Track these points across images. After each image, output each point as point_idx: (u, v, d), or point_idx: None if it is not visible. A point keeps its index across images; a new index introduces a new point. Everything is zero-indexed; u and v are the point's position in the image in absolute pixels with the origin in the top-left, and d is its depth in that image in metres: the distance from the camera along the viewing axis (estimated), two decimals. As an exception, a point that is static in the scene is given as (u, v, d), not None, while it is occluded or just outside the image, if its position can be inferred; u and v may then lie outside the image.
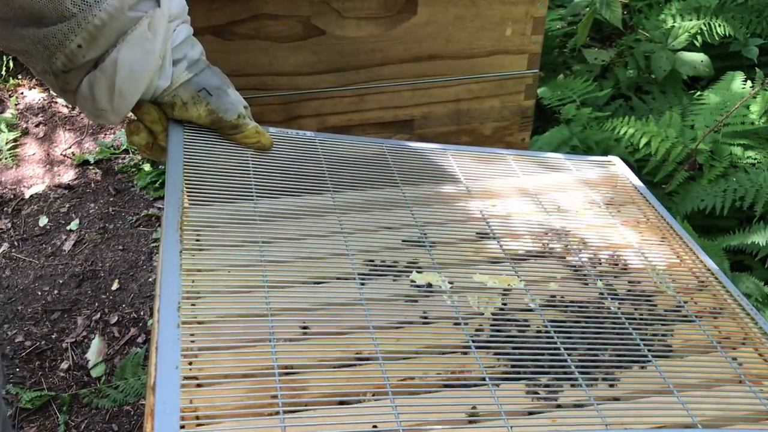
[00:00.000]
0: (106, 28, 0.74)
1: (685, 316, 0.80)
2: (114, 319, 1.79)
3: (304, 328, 0.71)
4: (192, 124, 0.87)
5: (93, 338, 1.74)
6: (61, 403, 1.59)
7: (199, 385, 0.64)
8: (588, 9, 2.23)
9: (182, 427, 0.57)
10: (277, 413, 0.60)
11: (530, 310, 0.77)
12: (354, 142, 0.98)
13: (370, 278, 0.79)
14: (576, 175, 1.04)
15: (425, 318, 0.75)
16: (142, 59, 0.77)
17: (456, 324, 0.74)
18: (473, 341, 0.72)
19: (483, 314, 0.76)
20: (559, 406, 0.67)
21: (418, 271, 0.81)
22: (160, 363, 0.61)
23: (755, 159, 1.82)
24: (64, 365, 1.68)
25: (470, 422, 0.64)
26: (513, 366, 0.70)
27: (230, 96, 0.86)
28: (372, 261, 0.82)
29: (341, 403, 0.65)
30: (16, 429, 1.54)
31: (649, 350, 0.74)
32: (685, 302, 0.83)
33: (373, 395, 0.65)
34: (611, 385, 0.70)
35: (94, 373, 1.66)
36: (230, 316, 0.70)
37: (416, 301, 0.77)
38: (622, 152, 1.90)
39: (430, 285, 0.79)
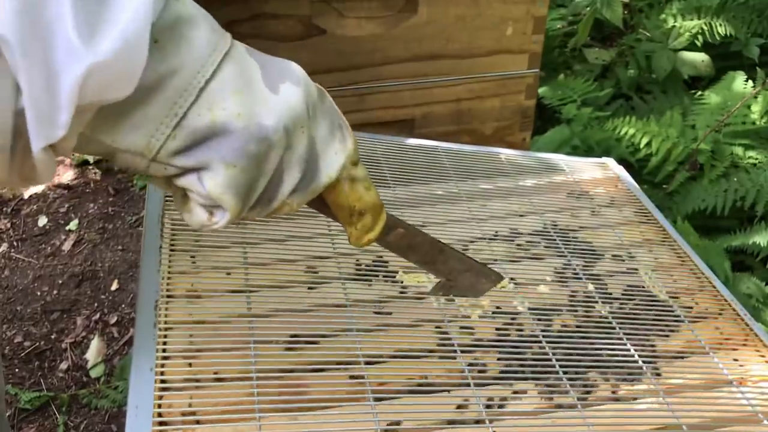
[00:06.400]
0: None
1: (676, 319, 0.80)
2: (113, 320, 1.79)
3: (290, 332, 0.71)
4: None
5: (92, 338, 1.73)
6: (60, 403, 1.58)
7: (199, 387, 0.64)
8: (589, 8, 2.22)
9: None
10: (254, 417, 0.60)
11: (518, 313, 0.77)
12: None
13: (357, 280, 0.79)
14: (570, 176, 1.04)
15: (411, 320, 0.74)
16: None
17: (442, 326, 0.74)
18: (458, 344, 0.71)
19: (470, 317, 0.75)
20: (544, 409, 0.67)
21: (405, 272, 0.80)
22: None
23: (756, 159, 1.81)
24: (64, 365, 1.68)
25: (452, 425, 0.64)
26: (498, 369, 0.70)
27: None
28: (360, 263, 0.81)
29: (323, 407, 0.64)
30: (14, 430, 1.53)
31: (638, 354, 0.73)
32: (684, 307, 0.82)
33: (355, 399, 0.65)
34: (597, 389, 0.69)
35: (93, 374, 1.66)
36: (211, 321, 0.70)
37: (402, 303, 0.77)
38: (623, 152, 1.90)
39: (417, 285, 0.79)
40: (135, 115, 0.42)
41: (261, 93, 0.45)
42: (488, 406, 0.65)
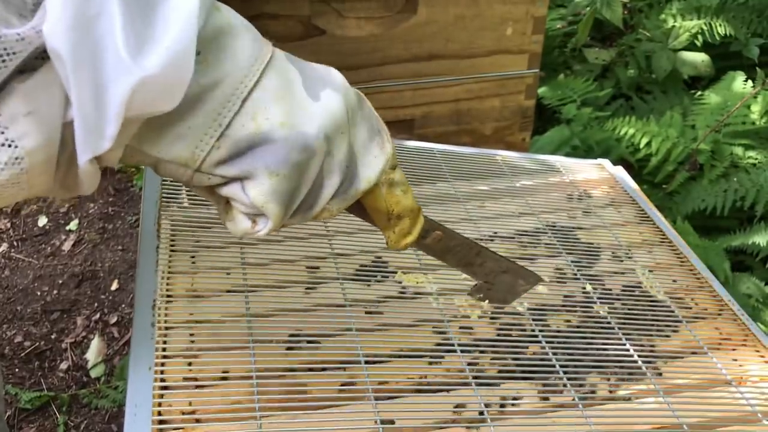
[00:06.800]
0: None
1: (675, 319, 0.80)
2: (113, 320, 1.79)
3: (289, 332, 0.71)
4: None
5: (92, 338, 1.73)
6: (60, 403, 1.58)
7: (198, 387, 0.64)
8: (588, 8, 2.22)
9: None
10: (254, 417, 0.60)
11: (517, 313, 0.77)
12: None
13: (356, 280, 0.79)
14: (567, 176, 1.04)
15: (410, 321, 0.74)
16: None
17: (441, 326, 0.74)
18: (458, 344, 0.71)
19: (469, 317, 0.75)
20: (544, 408, 0.67)
21: (404, 272, 0.80)
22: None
23: (756, 159, 1.81)
24: (64, 365, 1.68)
25: (451, 425, 0.64)
26: (499, 369, 0.70)
27: None
28: (358, 263, 0.81)
29: (322, 406, 0.64)
30: (14, 430, 1.53)
31: (637, 354, 0.73)
32: (683, 307, 0.82)
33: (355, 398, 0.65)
34: (597, 389, 0.69)
35: (93, 374, 1.66)
36: (211, 321, 0.70)
37: (402, 303, 0.77)
38: (623, 152, 1.90)
39: (416, 286, 0.79)
40: (179, 127, 0.43)
41: (302, 101, 0.46)
42: (488, 406, 0.65)
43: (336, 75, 0.50)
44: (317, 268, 0.79)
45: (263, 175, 0.45)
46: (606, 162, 1.09)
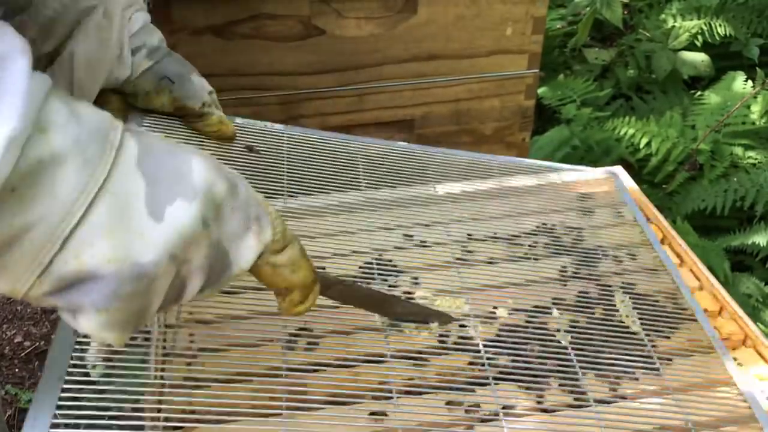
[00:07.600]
0: (59, 19, 0.68)
1: (674, 319, 0.80)
2: (113, 319, 1.79)
3: (289, 331, 0.71)
4: (153, 113, 0.81)
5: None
6: (60, 403, 1.59)
7: (197, 386, 0.64)
8: (588, 9, 2.22)
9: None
10: (253, 417, 0.60)
11: (516, 311, 0.77)
12: (324, 139, 0.92)
13: (357, 279, 0.78)
14: (565, 177, 1.03)
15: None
16: (99, 49, 0.70)
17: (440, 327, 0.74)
18: (457, 345, 0.71)
19: (468, 317, 0.75)
20: (555, 407, 0.67)
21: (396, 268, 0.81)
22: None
23: (756, 159, 1.82)
24: (64, 365, 1.68)
25: (450, 425, 0.64)
26: (497, 370, 0.70)
27: (194, 83, 0.79)
28: (360, 263, 0.81)
29: (343, 403, 0.64)
30: (15, 430, 1.53)
31: (638, 353, 0.73)
32: (682, 307, 0.82)
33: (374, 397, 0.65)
34: (599, 388, 0.69)
35: (93, 374, 1.66)
36: (210, 321, 0.70)
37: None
38: (623, 152, 1.90)
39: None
40: None
41: (139, 227, 0.42)
42: (503, 404, 0.65)
43: (196, 174, 0.45)
44: (323, 268, 0.79)
45: (91, 311, 0.42)
46: (598, 170, 1.07)
